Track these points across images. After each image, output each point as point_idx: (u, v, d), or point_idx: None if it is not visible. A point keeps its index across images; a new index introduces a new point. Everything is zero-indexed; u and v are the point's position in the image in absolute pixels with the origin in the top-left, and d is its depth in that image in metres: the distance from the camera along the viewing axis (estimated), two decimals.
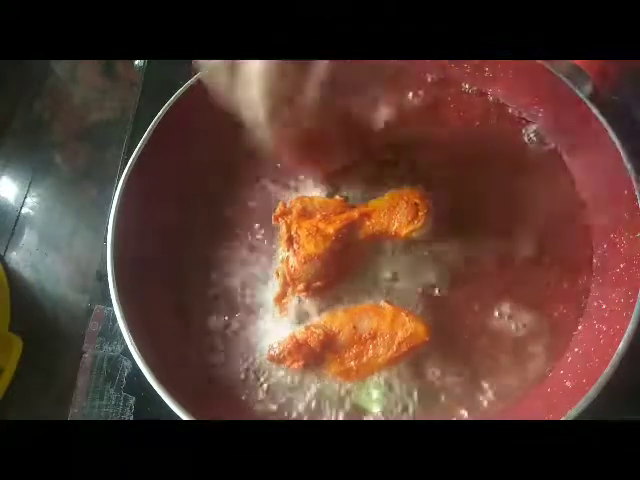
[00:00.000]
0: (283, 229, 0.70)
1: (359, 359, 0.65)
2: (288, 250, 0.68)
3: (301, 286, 0.67)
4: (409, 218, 0.70)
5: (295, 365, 0.66)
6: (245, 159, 0.82)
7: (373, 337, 0.65)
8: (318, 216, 0.70)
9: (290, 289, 0.69)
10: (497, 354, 0.67)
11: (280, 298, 0.70)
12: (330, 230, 0.68)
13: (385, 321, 0.65)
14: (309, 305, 0.68)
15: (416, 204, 0.70)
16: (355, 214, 0.70)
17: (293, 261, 0.67)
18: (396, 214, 0.70)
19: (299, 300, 0.69)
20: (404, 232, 0.70)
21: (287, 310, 0.69)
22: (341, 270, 0.69)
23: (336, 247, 0.68)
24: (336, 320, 0.66)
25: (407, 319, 0.65)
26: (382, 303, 0.66)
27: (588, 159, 0.77)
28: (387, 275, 0.70)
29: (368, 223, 0.70)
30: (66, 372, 0.81)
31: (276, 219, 0.72)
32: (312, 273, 0.67)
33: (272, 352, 0.67)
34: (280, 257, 0.69)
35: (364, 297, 0.69)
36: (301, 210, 0.71)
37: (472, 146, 0.81)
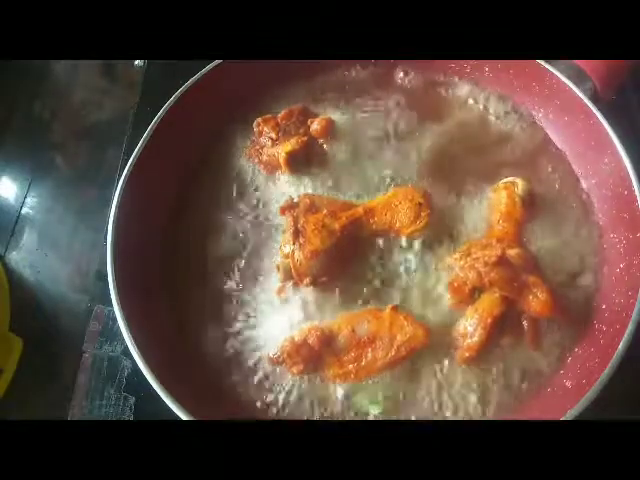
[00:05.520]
0: (289, 222, 0.70)
1: (358, 362, 0.65)
2: (294, 244, 0.68)
3: (307, 280, 0.67)
4: (411, 218, 0.70)
5: (295, 368, 0.66)
6: (244, 160, 0.82)
7: (372, 341, 0.65)
8: (325, 211, 0.70)
9: (291, 283, 0.69)
10: (497, 354, 0.67)
11: (280, 291, 0.70)
12: (336, 226, 0.69)
13: (384, 325, 0.65)
14: (311, 301, 0.68)
15: (420, 204, 0.71)
16: (360, 210, 0.71)
17: (299, 255, 0.67)
18: (398, 213, 0.70)
19: (301, 296, 0.69)
20: (406, 232, 0.70)
21: (288, 306, 0.69)
22: (345, 266, 0.69)
23: (341, 243, 0.68)
24: (335, 323, 0.67)
25: (406, 322, 0.65)
26: (387, 307, 0.67)
27: (588, 159, 0.77)
28: (388, 274, 0.70)
29: (372, 221, 0.71)
30: (66, 372, 0.81)
31: (282, 211, 0.72)
32: (318, 268, 0.67)
33: (271, 354, 0.67)
34: (283, 250, 0.69)
35: (366, 295, 0.69)
36: (308, 205, 0.71)
37: (474, 148, 0.81)
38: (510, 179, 0.75)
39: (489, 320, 0.64)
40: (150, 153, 0.74)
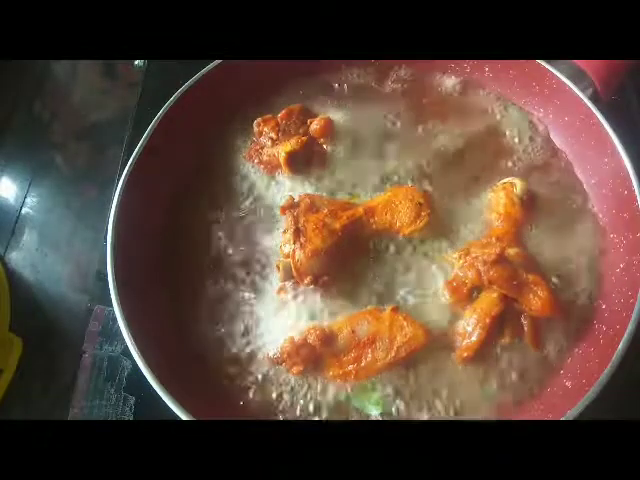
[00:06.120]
0: (290, 221, 0.70)
1: (358, 363, 0.65)
2: (294, 243, 0.68)
3: (308, 279, 0.67)
4: (412, 218, 0.70)
5: (295, 369, 0.66)
6: (244, 160, 0.82)
7: (372, 342, 0.65)
8: (325, 211, 0.70)
9: (292, 282, 0.69)
10: (497, 354, 0.67)
11: (281, 291, 0.70)
12: (337, 225, 0.69)
13: (384, 325, 0.65)
14: (311, 302, 0.68)
15: (420, 204, 0.71)
16: (360, 210, 0.71)
17: (300, 254, 0.67)
18: (399, 213, 0.71)
19: (301, 296, 0.69)
20: (406, 232, 0.70)
21: (288, 306, 0.69)
22: (345, 266, 0.69)
23: (342, 242, 0.68)
24: (335, 324, 0.67)
25: (405, 323, 0.65)
26: (387, 308, 0.67)
27: (588, 159, 0.77)
28: (388, 274, 0.70)
29: (372, 221, 0.71)
30: (66, 372, 0.81)
31: (283, 211, 0.72)
32: (318, 267, 0.67)
33: (271, 355, 0.67)
34: (284, 250, 0.69)
35: (366, 295, 0.69)
36: (309, 204, 0.71)
37: (474, 148, 0.81)
38: (509, 179, 0.75)
39: (487, 320, 0.64)
40: (150, 153, 0.74)
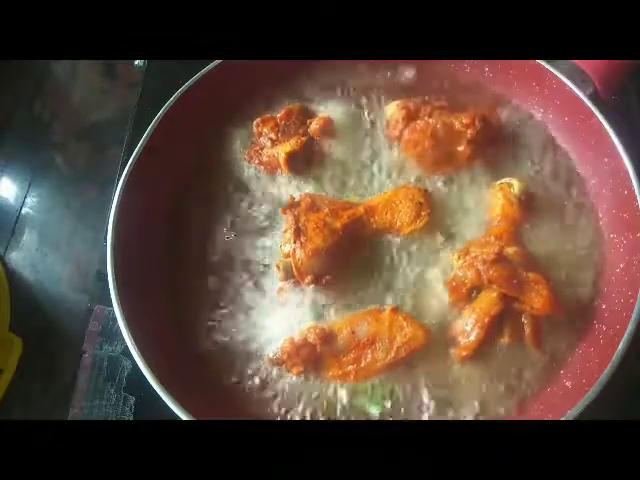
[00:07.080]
0: (290, 221, 0.70)
1: (357, 363, 0.65)
2: (295, 242, 0.68)
3: (308, 279, 0.67)
4: (412, 217, 0.70)
5: (295, 369, 0.66)
6: (244, 160, 0.82)
7: (372, 342, 0.65)
8: (326, 210, 0.71)
9: (292, 282, 0.69)
10: (497, 354, 0.67)
11: (281, 291, 0.70)
12: (337, 225, 0.69)
13: (383, 326, 0.65)
14: (311, 301, 0.68)
15: (420, 203, 0.71)
16: (361, 209, 0.71)
17: (300, 254, 0.67)
18: (399, 212, 0.71)
19: (301, 296, 0.69)
20: (406, 231, 0.70)
21: (288, 306, 0.69)
22: (346, 265, 0.69)
23: (342, 242, 0.68)
24: (335, 324, 0.67)
25: (405, 323, 0.65)
26: (385, 307, 0.67)
27: (588, 159, 0.77)
28: (388, 273, 0.70)
29: (372, 220, 0.71)
30: (66, 372, 0.81)
31: (283, 211, 0.72)
32: (319, 266, 0.67)
33: (271, 355, 0.67)
34: (284, 249, 0.69)
35: (366, 294, 0.69)
36: (310, 204, 0.71)
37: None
38: (506, 180, 0.75)
39: (486, 319, 0.64)
40: (150, 153, 0.74)
